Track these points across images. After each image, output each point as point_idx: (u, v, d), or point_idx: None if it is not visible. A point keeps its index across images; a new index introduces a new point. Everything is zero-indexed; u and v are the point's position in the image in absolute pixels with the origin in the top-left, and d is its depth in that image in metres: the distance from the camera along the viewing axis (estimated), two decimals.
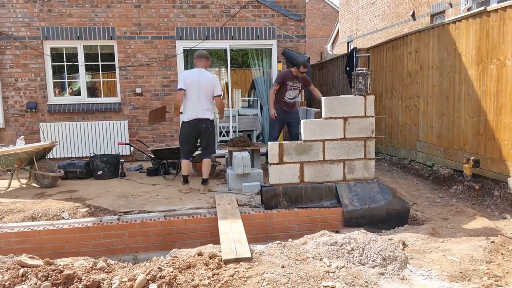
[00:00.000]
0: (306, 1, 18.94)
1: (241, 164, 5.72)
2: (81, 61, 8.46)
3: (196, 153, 6.91)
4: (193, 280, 2.96)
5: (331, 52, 22.25)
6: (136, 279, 2.85)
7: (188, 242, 4.48)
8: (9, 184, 6.23)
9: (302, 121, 5.14)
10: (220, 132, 9.43)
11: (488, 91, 5.60)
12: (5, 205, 5.21)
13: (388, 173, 7.54)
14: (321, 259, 3.41)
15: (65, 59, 8.55)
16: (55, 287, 2.78)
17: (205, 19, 8.57)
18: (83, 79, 8.57)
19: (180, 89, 5.66)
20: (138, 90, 8.52)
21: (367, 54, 8.67)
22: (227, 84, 10.25)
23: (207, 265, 3.22)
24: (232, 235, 3.89)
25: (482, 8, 5.72)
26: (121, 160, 7.10)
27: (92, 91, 9.29)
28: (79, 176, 6.78)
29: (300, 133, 5.40)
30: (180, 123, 6.06)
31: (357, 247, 3.54)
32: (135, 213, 4.85)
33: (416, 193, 6.15)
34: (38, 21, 8.20)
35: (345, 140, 5.13)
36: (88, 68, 8.78)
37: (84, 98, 8.58)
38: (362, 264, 3.39)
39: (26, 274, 2.89)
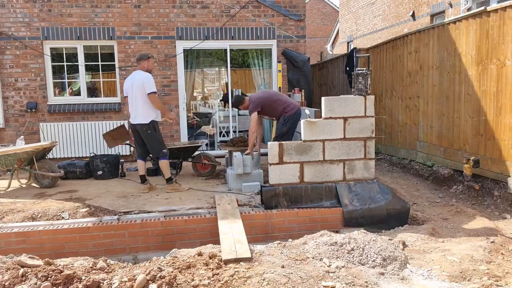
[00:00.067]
0: (306, 1, 18.96)
1: (241, 164, 5.72)
2: (81, 61, 8.46)
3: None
4: (193, 280, 2.96)
5: (331, 52, 22.25)
6: (136, 279, 2.85)
7: (188, 242, 4.48)
8: (9, 184, 6.23)
9: (302, 121, 5.14)
10: (220, 132, 9.44)
11: (488, 91, 5.60)
12: (5, 205, 5.21)
13: (388, 173, 7.54)
14: (321, 259, 3.41)
15: (65, 59, 8.56)
16: (55, 287, 2.78)
17: (205, 19, 8.57)
18: (83, 79, 8.57)
19: (125, 96, 5.84)
20: None
21: (367, 54, 8.67)
22: (227, 84, 10.26)
23: (207, 265, 3.22)
24: (232, 235, 3.89)
25: (482, 8, 5.72)
26: (121, 160, 7.10)
27: (92, 91, 9.30)
28: (79, 176, 6.78)
29: (300, 132, 5.40)
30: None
31: (357, 247, 3.54)
32: (135, 213, 4.85)
33: (416, 193, 6.15)
34: (38, 21, 8.20)
35: (345, 140, 5.13)
36: (88, 68, 8.78)
37: (84, 98, 8.58)
38: (362, 264, 3.40)
39: (26, 274, 2.89)
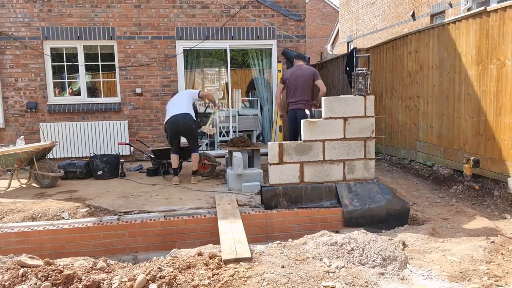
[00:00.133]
0: (306, 1, 18.96)
1: (241, 164, 5.73)
2: (81, 61, 8.46)
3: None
4: (193, 280, 2.96)
5: (331, 52, 22.25)
6: (136, 279, 2.85)
7: (188, 242, 4.48)
8: (9, 184, 6.23)
9: (302, 121, 5.14)
10: (220, 132, 9.44)
11: (488, 91, 5.60)
12: (5, 205, 5.21)
13: (388, 173, 7.54)
14: (321, 259, 3.41)
15: (65, 59, 8.56)
16: (55, 287, 2.78)
17: (205, 19, 8.57)
18: (83, 79, 8.57)
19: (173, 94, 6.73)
20: (138, 90, 8.52)
21: (367, 54, 8.67)
22: (227, 84, 10.25)
23: (207, 265, 3.22)
24: (232, 235, 3.89)
25: (482, 8, 5.72)
26: (121, 160, 7.10)
27: (92, 91, 9.29)
28: (79, 176, 6.78)
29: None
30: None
31: (357, 247, 3.54)
32: (135, 213, 4.85)
33: (416, 193, 6.15)
34: (38, 21, 8.20)
35: (345, 140, 5.13)
36: (88, 68, 8.78)
37: (84, 98, 8.58)
38: (362, 264, 3.40)
39: (26, 274, 2.89)
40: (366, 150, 5.19)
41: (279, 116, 7.07)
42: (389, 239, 3.89)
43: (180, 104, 6.38)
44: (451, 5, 11.09)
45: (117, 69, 8.50)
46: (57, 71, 8.78)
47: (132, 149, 8.40)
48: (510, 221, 4.80)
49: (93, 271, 3.12)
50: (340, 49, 20.39)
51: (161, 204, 5.19)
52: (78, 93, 8.79)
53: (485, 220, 4.68)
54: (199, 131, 7.26)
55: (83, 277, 2.89)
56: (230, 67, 9.28)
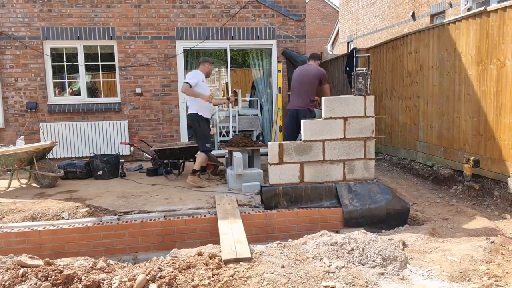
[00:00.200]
0: (306, 1, 18.95)
1: (241, 164, 5.73)
2: (81, 61, 8.46)
3: (198, 153, 6.90)
4: (193, 280, 2.96)
5: (331, 52, 22.24)
6: (136, 279, 2.85)
7: (188, 242, 4.48)
8: (9, 184, 6.23)
9: (302, 121, 5.14)
10: (220, 132, 9.44)
11: (488, 91, 5.60)
12: (5, 205, 5.21)
13: (388, 173, 7.54)
14: (321, 259, 3.41)
15: (65, 59, 8.56)
16: (55, 287, 2.78)
17: (205, 19, 8.57)
18: (83, 79, 8.57)
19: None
20: (138, 90, 8.52)
21: (367, 54, 8.67)
22: (227, 84, 10.25)
23: (207, 265, 3.22)
24: (232, 235, 3.89)
25: (482, 8, 5.72)
26: (121, 160, 7.10)
27: (92, 91, 9.30)
28: (79, 176, 6.78)
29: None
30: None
31: (357, 247, 3.54)
32: (135, 213, 4.85)
33: (416, 193, 6.15)
34: (38, 21, 8.20)
35: (345, 140, 5.13)
36: (88, 68, 8.78)
37: (84, 98, 8.58)
38: (362, 264, 3.39)
39: (26, 274, 2.89)
40: (366, 150, 5.19)
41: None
42: (389, 239, 3.89)
43: (191, 99, 6.19)
44: (451, 5, 11.09)
45: (117, 69, 8.50)
46: (57, 71, 8.79)
47: (132, 149, 8.40)
48: (510, 221, 4.80)
49: (93, 271, 3.12)
50: (340, 49, 20.39)
51: (161, 204, 5.19)
52: (78, 93, 8.79)
53: (485, 220, 4.68)
54: None
55: (83, 277, 2.89)
56: (230, 67, 9.28)
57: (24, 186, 6.45)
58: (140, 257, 4.47)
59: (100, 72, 8.67)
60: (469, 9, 9.81)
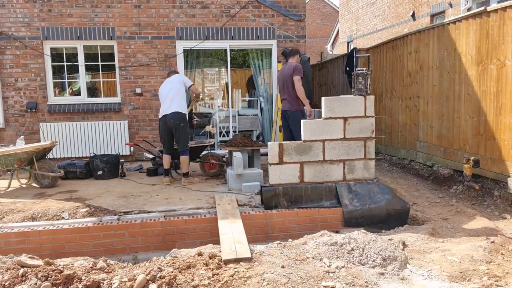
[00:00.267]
0: (306, 1, 18.95)
1: (241, 164, 5.73)
2: (81, 61, 8.46)
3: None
4: (193, 280, 2.96)
5: (331, 52, 22.24)
6: (136, 279, 2.85)
7: (188, 242, 4.48)
8: (9, 184, 6.23)
9: (302, 121, 5.14)
10: (220, 132, 9.44)
11: (488, 91, 5.60)
12: (5, 205, 5.21)
13: (388, 173, 7.54)
14: (321, 259, 3.41)
15: (65, 59, 8.55)
16: (55, 287, 2.78)
17: (205, 19, 8.57)
18: (83, 79, 8.57)
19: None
20: (138, 90, 8.52)
21: (367, 54, 8.67)
22: (227, 84, 10.25)
23: (207, 265, 3.22)
24: (232, 235, 3.89)
25: (482, 8, 5.72)
26: (121, 160, 7.10)
27: (92, 91, 9.29)
28: (79, 176, 6.78)
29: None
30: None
31: (357, 247, 3.54)
32: (135, 213, 4.85)
33: (416, 193, 6.15)
34: (38, 21, 8.20)
35: (345, 140, 5.13)
36: (88, 68, 8.78)
37: (84, 98, 8.58)
38: (362, 264, 3.39)
39: (26, 274, 2.89)
40: (366, 150, 5.19)
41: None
42: (389, 239, 3.89)
43: (170, 98, 6.19)
44: (451, 5, 11.09)
45: (117, 69, 8.50)
46: (57, 71, 8.78)
47: (132, 149, 8.40)
48: (510, 221, 4.80)
49: (93, 271, 3.12)
50: (340, 49, 20.38)
51: (161, 204, 5.19)
52: (78, 93, 8.79)
53: (485, 220, 4.68)
54: (203, 130, 7.30)
55: (83, 277, 2.89)
56: (230, 67, 9.28)
57: (24, 186, 6.45)
58: (140, 257, 4.47)
59: (100, 72, 8.67)
60: (469, 9, 9.80)
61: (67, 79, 8.91)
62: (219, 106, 11.17)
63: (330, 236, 3.79)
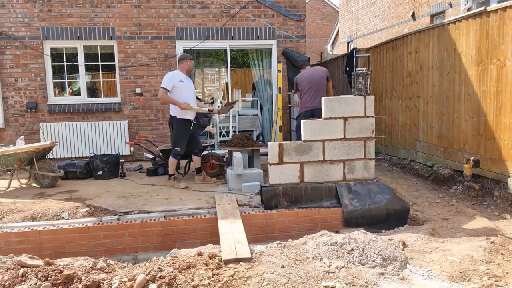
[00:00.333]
0: (306, 1, 18.96)
1: (241, 164, 5.73)
2: (81, 61, 8.46)
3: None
4: (193, 280, 2.96)
5: (331, 52, 22.25)
6: (136, 279, 2.85)
7: (188, 242, 4.48)
8: (9, 184, 6.23)
9: (302, 121, 5.14)
10: (220, 132, 9.43)
11: (488, 91, 5.60)
12: (5, 205, 5.21)
13: (388, 173, 7.54)
14: (321, 259, 3.41)
15: (65, 59, 8.56)
16: (55, 287, 2.78)
17: (205, 19, 8.57)
18: (83, 79, 8.57)
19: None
20: (138, 90, 8.52)
21: (367, 54, 8.67)
22: (227, 84, 10.25)
23: (207, 265, 3.22)
24: (232, 235, 3.89)
25: (482, 8, 5.72)
26: (121, 160, 7.10)
27: (92, 91, 9.30)
28: (79, 176, 6.78)
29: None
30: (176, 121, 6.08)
31: (357, 247, 3.54)
32: (135, 213, 4.85)
33: (416, 193, 6.15)
34: (38, 21, 8.20)
35: (345, 140, 5.13)
36: (88, 68, 8.78)
37: (84, 98, 8.58)
38: (362, 264, 3.39)
39: (26, 274, 2.89)
40: (366, 150, 5.19)
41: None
42: (389, 239, 3.89)
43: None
44: (451, 5, 11.09)
45: (117, 69, 8.50)
46: (57, 71, 8.79)
47: (132, 149, 8.40)
48: (510, 221, 4.80)
49: (93, 271, 3.12)
50: (340, 49, 20.39)
51: (161, 204, 5.19)
52: (78, 93, 8.79)
53: (485, 220, 4.68)
54: (204, 130, 7.26)
55: (83, 277, 2.89)
56: (230, 67, 9.28)
57: (24, 186, 6.45)
58: (140, 257, 4.47)
59: (100, 72, 8.67)
60: (469, 9, 9.80)
61: (67, 79, 8.91)
62: (219, 106, 11.17)
63: (330, 236, 3.79)
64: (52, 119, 8.36)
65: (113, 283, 2.84)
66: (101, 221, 4.62)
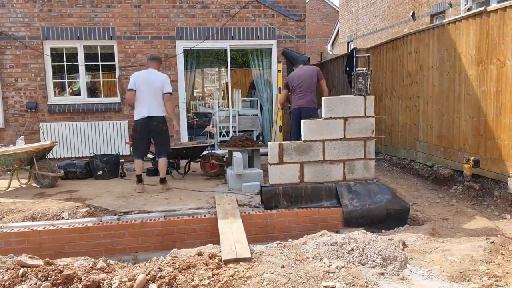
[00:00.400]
0: (306, 1, 18.94)
1: (241, 164, 5.73)
2: (81, 61, 8.46)
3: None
4: (193, 280, 2.96)
5: (331, 52, 22.24)
6: (136, 279, 2.85)
7: (188, 242, 4.48)
8: (9, 184, 6.23)
9: (302, 121, 5.14)
10: (220, 132, 9.43)
11: (488, 91, 5.60)
12: (5, 205, 5.21)
13: (388, 173, 7.54)
14: (321, 259, 3.41)
15: (65, 59, 8.56)
16: (55, 287, 2.78)
17: (205, 19, 8.57)
18: (83, 79, 8.57)
19: (132, 90, 5.91)
20: None
21: (367, 54, 8.67)
22: (227, 84, 10.25)
23: (207, 265, 3.22)
24: (232, 235, 3.89)
25: (482, 8, 5.72)
26: (121, 160, 7.10)
27: (92, 91, 9.30)
28: (79, 176, 6.78)
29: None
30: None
31: (357, 247, 3.54)
32: (135, 213, 4.85)
33: (416, 193, 6.15)
34: (38, 21, 8.20)
35: (345, 140, 5.13)
36: (88, 68, 8.78)
37: (84, 98, 8.58)
38: (362, 264, 3.39)
39: (26, 274, 2.89)
40: (366, 150, 5.19)
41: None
42: (389, 239, 3.89)
43: (150, 100, 5.85)
44: (451, 5, 11.09)
45: (117, 69, 8.50)
46: (57, 71, 8.79)
47: (132, 149, 8.38)
48: (510, 221, 4.80)
49: (93, 271, 3.12)
50: (340, 49, 20.38)
51: (161, 204, 5.19)
52: (78, 93, 8.79)
53: (485, 220, 4.68)
54: (204, 130, 7.25)
55: (83, 277, 2.89)
56: (230, 67, 9.28)
57: (24, 186, 6.45)
58: (140, 257, 4.47)
59: (100, 72, 8.67)
60: (469, 9, 9.80)
61: (67, 79, 8.91)
62: (219, 106, 11.17)
63: (330, 236, 3.79)
64: (52, 119, 8.36)
65: (113, 283, 2.84)
66: (101, 221, 4.62)
